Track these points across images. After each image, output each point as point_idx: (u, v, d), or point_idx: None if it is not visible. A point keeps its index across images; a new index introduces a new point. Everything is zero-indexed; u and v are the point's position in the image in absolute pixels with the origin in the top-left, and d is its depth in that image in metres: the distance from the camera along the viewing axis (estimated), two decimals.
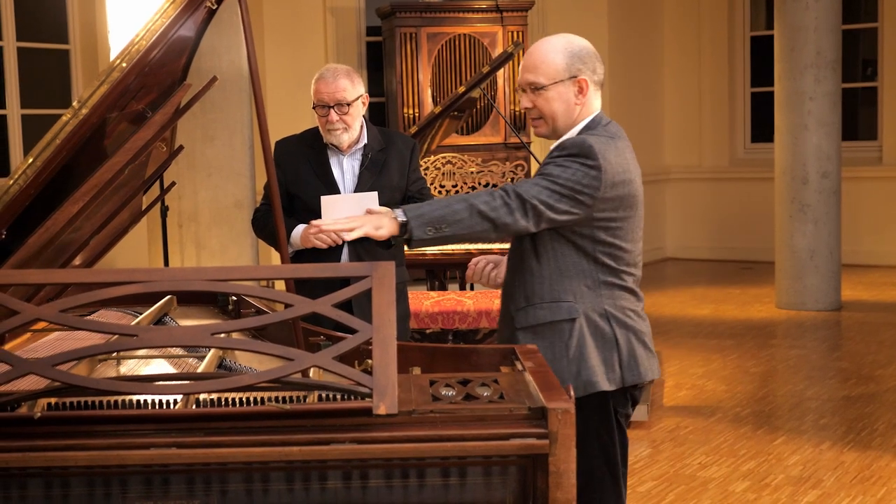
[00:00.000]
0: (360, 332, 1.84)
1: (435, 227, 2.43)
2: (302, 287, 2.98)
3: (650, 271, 10.05)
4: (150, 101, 2.50)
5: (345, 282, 1.91)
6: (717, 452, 4.74)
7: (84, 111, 2.18)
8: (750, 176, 10.40)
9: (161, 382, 1.89)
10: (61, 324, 1.90)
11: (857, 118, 10.37)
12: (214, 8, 2.40)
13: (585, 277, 2.55)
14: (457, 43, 8.56)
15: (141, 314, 2.66)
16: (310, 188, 3.56)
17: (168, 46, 2.31)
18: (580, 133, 2.58)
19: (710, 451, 4.76)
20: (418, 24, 8.45)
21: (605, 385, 2.54)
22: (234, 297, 2.87)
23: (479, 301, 5.15)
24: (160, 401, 1.82)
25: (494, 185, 5.96)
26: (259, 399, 1.85)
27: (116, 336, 2.12)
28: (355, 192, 3.56)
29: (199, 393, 1.83)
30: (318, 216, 3.33)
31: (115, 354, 2.30)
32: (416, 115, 8.33)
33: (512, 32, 8.58)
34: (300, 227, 3.51)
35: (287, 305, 1.88)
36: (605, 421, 2.58)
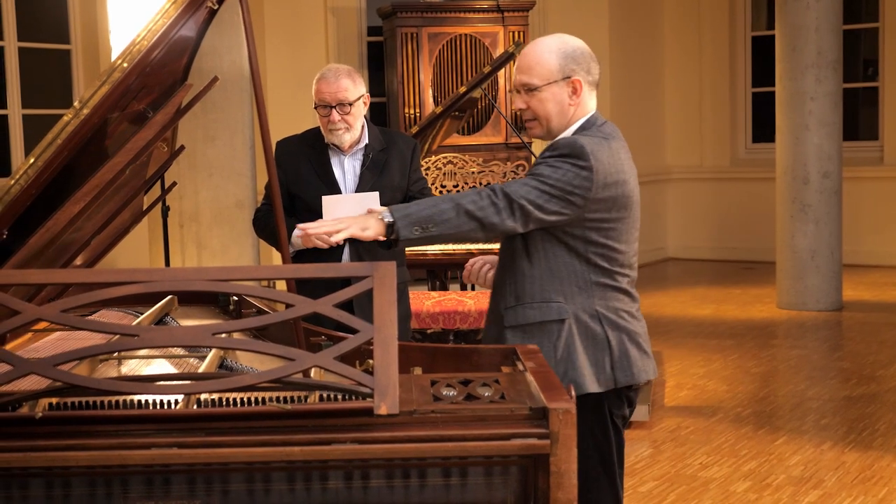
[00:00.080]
0: (362, 333, 1.84)
1: (422, 227, 2.42)
2: (303, 287, 2.97)
3: (651, 271, 10.05)
4: (152, 101, 2.50)
5: (346, 282, 1.91)
6: (718, 452, 4.74)
7: (85, 111, 2.18)
8: (751, 176, 10.40)
9: (162, 382, 1.89)
10: (62, 324, 1.90)
11: (858, 118, 10.36)
12: (216, 8, 2.40)
13: (577, 278, 2.54)
14: (458, 43, 8.56)
15: (142, 314, 2.66)
16: (311, 188, 3.56)
17: (169, 46, 2.32)
18: (574, 134, 2.57)
19: (711, 452, 4.76)
20: (419, 24, 8.45)
21: (593, 387, 2.52)
22: (235, 298, 2.87)
23: (480, 301, 5.14)
24: (161, 401, 1.82)
25: None
26: (260, 399, 1.85)
27: (118, 336, 2.12)
28: (356, 192, 3.55)
29: (201, 393, 1.83)
30: (320, 216, 3.33)
31: (116, 354, 2.30)
32: (418, 115, 8.33)
33: (513, 32, 8.58)
34: None
35: (288, 305, 1.88)
36: (600, 422, 2.56)
